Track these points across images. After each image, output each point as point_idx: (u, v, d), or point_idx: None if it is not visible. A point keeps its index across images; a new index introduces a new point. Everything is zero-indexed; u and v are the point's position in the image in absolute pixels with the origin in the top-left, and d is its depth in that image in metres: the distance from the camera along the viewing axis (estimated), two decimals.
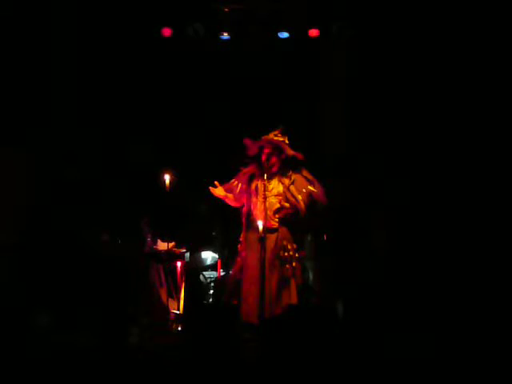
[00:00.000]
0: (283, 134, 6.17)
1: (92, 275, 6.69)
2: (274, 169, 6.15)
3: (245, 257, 6.15)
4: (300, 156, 6.10)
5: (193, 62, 8.40)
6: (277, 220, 6.11)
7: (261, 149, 6.15)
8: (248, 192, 6.19)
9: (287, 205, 6.08)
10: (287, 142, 6.15)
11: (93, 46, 7.90)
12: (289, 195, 6.08)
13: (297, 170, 6.16)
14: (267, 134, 6.19)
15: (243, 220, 6.23)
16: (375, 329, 5.69)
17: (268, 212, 6.00)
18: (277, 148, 6.10)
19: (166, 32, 7.94)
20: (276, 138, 6.15)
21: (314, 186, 6.08)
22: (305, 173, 6.16)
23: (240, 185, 6.22)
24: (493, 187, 7.12)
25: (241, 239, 6.28)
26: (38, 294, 6.49)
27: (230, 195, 6.25)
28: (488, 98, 7.27)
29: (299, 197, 6.04)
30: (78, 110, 7.90)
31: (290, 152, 6.09)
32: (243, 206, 6.24)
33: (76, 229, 7.24)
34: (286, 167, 6.17)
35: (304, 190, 6.05)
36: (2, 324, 5.60)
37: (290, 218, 6.12)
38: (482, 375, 4.75)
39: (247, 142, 6.20)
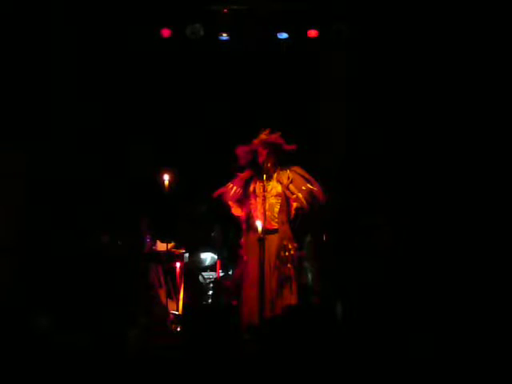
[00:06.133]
0: (273, 133, 6.16)
1: (91, 276, 6.68)
2: (273, 169, 6.14)
3: (246, 260, 6.14)
4: (294, 147, 6.09)
5: (192, 62, 8.39)
6: (277, 221, 6.10)
7: (255, 152, 6.14)
8: (247, 195, 6.19)
9: (294, 196, 6.04)
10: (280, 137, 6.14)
11: (92, 47, 7.89)
12: (289, 194, 6.08)
13: (293, 169, 6.15)
14: (256, 136, 6.17)
15: (243, 225, 6.22)
16: (375, 329, 5.67)
17: (268, 213, 5.99)
18: (274, 146, 6.09)
19: (166, 32, 7.94)
20: (270, 137, 6.13)
21: (312, 184, 6.07)
22: (301, 171, 6.15)
23: (235, 188, 6.21)
24: (493, 187, 7.11)
25: (242, 243, 6.26)
26: (38, 294, 6.48)
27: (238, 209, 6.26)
28: (488, 101, 7.26)
29: (300, 195, 6.02)
30: (77, 110, 7.90)
31: (288, 147, 6.09)
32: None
33: (76, 229, 7.24)
34: (283, 167, 6.16)
35: (304, 188, 6.04)
36: (1, 324, 5.58)
37: (296, 217, 6.12)
38: (482, 375, 4.73)
39: (240, 151, 6.18)
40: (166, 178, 6.65)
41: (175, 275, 6.97)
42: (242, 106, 8.36)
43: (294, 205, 6.05)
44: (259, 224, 5.71)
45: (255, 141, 6.15)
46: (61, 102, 7.76)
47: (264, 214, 5.89)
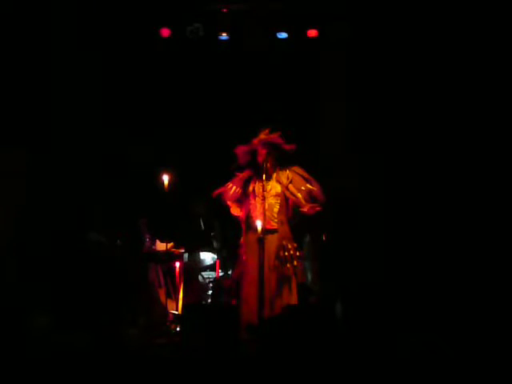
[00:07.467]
0: (273, 132, 6.16)
1: (91, 276, 6.68)
2: (272, 168, 6.14)
3: (245, 260, 6.14)
4: (294, 147, 6.09)
5: (192, 62, 8.40)
6: (277, 221, 6.10)
7: (255, 152, 6.14)
8: (246, 195, 6.19)
9: (295, 197, 6.05)
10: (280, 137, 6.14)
11: (92, 46, 7.90)
12: (288, 194, 6.08)
13: (293, 169, 6.15)
14: (256, 135, 6.18)
15: (243, 225, 6.23)
16: (375, 329, 5.67)
17: (267, 213, 5.98)
18: (273, 146, 6.09)
19: (165, 32, 7.94)
20: (269, 136, 6.13)
21: (311, 184, 6.07)
22: (301, 171, 6.15)
23: (235, 188, 6.22)
24: (492, 187, 7.11)
25: (241, 242, 6.27)
26: (37, 294, 6.48)
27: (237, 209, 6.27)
28: (488, 104, 7.26)
29: (299, 195, 6.03)
30: (77, 110, 7.90)
31: (287, 146, 6.09)
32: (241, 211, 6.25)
33: (75, 229, 7.23)
34: (283, 167, 6.17)
35: (303, 188, 6.04)
36: (1, 324, 5.59)
37: (295, 217, 6.13)
38: (483, 375, 4.73)
39: (239, 151, 6.18)
40: (166, 178, 6.65)
41: (175, 275, 6.97)
42: (242, 106, 8.36)
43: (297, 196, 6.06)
44: (259, 224, 5.71)
45: (255, 140, 6.15)
46: (61, 102, 7.75)
47: (263, 213, 5.88)
